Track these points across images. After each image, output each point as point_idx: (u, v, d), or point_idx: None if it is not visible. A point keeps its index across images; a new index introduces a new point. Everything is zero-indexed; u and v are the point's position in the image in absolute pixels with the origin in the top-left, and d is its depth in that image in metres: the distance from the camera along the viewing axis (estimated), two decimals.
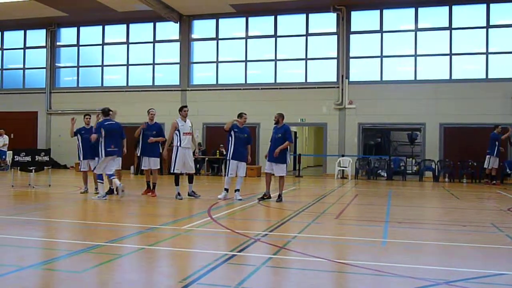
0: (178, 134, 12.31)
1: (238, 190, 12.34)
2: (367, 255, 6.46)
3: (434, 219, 10.35)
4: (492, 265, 6.01)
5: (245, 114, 12.60)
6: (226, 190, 12.38)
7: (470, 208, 11.71)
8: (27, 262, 5.72)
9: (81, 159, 13.45)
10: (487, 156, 18.51)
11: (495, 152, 18.38)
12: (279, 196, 12.13)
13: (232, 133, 12.28)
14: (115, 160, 12.26)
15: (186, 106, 12.80)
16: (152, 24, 25.66)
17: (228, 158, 12.38)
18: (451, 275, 5.36)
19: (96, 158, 12.31)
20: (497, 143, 18.46)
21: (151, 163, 12.93)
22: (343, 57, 22.91)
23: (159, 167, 13.28)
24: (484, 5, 21.66)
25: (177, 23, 24.95)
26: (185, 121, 12.48)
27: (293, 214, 9.93)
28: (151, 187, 12.92)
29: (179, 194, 12.32)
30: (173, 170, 12.28)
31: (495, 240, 7.62)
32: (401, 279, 5.18)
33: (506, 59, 21.76)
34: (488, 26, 21.63)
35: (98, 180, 12.29)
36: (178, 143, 12.28)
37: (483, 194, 15.63)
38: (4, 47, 28.63)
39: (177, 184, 12.36)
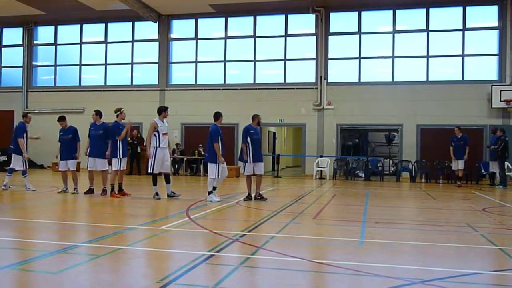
0: (157, 135, 12.27)
1: (215, 188, 12.37)
2: (344, 255, 6.50)
3: (410, 219, 10.46)
4: (467, 265, 6.09)
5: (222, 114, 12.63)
6: (214, 189, 12.23)
7: (446, 209, 11.85)
8: (2, 263, 5.64)
9: (60, 159, 13.51)
10: (461, 160, 18.68)
11: (463, 155, 18.61)
12: (261, 195, 12.27)
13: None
14: None
15: (168, 108, 12.78)
16: (130, 23, 25.47)
17: (218, 162, 12.02)
18: (427, 274, 5.42)
19: None
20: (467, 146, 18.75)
21: (123, 164, 12.97)
22: (322, 58, 23.01)
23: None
24: (461, 8, 21.95)
25: (156, 22, 24.82)
26: (163, 122, 12.46)
27: (271, 214, 9.95)
28: (120, 188, 12.88)
29: (157, 194, 12.33)
30: (152, 170, 12.27)
31: (470, 240, 7.73)
32: (378, 279, 5.23)
33: (482, 61, 22.08)
34: (464, 29, 21.91)
35: None
36: (157, 144, 12.24)
37: (459, 194, 15.82)
38: None
39: (155, 184, 12.39)
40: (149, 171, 12.45)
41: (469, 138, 18.88)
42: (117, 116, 12.95)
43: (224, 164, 12.14)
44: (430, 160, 21.33)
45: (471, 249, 7.03)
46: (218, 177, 12.04)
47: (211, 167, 12.07)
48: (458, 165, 18.59)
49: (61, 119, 13.69)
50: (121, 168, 12.81)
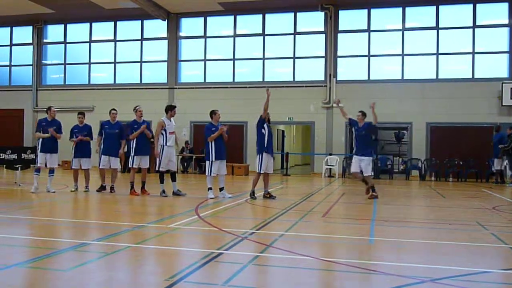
0: (164, 134, 12.33)
1: (223, 188, 12.40)
2: (353, 253, 6.49)
3: (420, 218, 10.42)
4: (477, 263, 6.06)
5: (218, 111, 12.72)
6: (211, 188, 12.30)
7: (456, 207, 11.80)
8: (13, 261, 5.68)
9: (73, 157, 13.47)
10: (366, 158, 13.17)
11: (370, 148, 13.97)
12: (270, 193, 12.30)
13: (211, 133, 12.29)
14: None
15: (175, 106, 12.81)
16: (139, 21, 25.55)
17: (211, 159, 12.26)
18: (437, 273, 5.40)
19: None
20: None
21: (143, 162, 12.95)
22: (331, 56, 22.96)
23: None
24: (471, 5, 21.83)
25: (165, 21, 24.86)
26: (170, 120, 12.52)
27: (280, 212, 9.94)
28: (142, 186, 12.87)
29: (163, 191, 12.41)
30: (159, 168, 12.32)
31: (480, 238, 7.68)
32: (387, 277, 5.21)
33: (492, 59, 21.95)
34: (474, 26, 21.79)
35: None
36: (164, 142, 12.30)
37: (469, 193, 15.74)
38: None
39: (162, 182, 12.47)
40: (156, 169, 12.50)
41: (374, 125, 13.49)
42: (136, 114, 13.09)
43: (218, 161, 12.30)
44: (440, 158, 21.24)
45: (481, 248, 6.99)
46: (210, 174, 12.23)
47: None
48: (361, 165, 12.95)
49: (80, 113, 13.72)
50: (134, 166, 12.84)
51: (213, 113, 12.58)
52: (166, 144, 12.32)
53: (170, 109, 12.62)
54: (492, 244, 7.24)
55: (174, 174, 12.75)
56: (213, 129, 12.29)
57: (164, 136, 12.33)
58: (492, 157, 19.59)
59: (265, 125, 12.12)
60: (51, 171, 13.27)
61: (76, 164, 13.46)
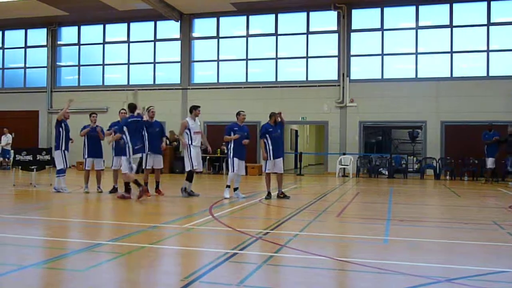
0: (188, 133, 12.34)
1: (237, 188, 12.42)
2: (368, 253, 6.46)
3: (435, 217, 10.35)
4: (493, 263, 6.00)
5: (243, 112, 12.73)
6: (229, 186, 12.36)
7: (472, 206, 11.71)
8: (29, 261, 5.73)
9: (86, 157, 13.48)
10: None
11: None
12: (284, 193, 12.28)
13: (232, 132, 12.34)
14: None
15: (199, 106, 12.80)
16: (152, 22, 25.66)
17: (231, 156, 12.29)
18: (453, 272, 5.36)
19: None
20: None
21: (156, 161, 12.94)
22: (344, 55, 22.89)
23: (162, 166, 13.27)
24: (485, 3, 21.64)
25: (178, 21, 24.94)
26: (194, 120, 12.52)
27: (294, 212, 9.93)
28: (156, 186, 12.89)
29: (185, 190, 12.39)
30: (192, 167, 12.28)
31: (497, 238, 7.62)
32: (402, 277, 5.18)
33: (507, 56, 21.71)
34: (489, 24, 21.60)
35: None
36: (190, 142, 12.31)
37: (485, 192, 15.61)
38: (5, 46, 28.60)
39: (191, 180, 12.48)
40: (187, 169, 12.41)
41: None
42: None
43: (237, 160, 12.32)
44: (455, 157, 21.08)
45: (498, 247, 6.94)
46: (233, 171, 12.23)
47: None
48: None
49: (92, 113, 13.73)
50: (148, 167, 12.83)
51: (238, 114, 12.65)
52: (191, 144, 12.32)
53: (194, 109, 12.65)
54: (509, 243, 7.18)
55: (193, 174, 12.74)
56: (236, 128, 12.40)
57: (189, 135, 12.34)
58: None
59: (267, 134, 12.28)
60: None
61: (89, 165, 13.47)
